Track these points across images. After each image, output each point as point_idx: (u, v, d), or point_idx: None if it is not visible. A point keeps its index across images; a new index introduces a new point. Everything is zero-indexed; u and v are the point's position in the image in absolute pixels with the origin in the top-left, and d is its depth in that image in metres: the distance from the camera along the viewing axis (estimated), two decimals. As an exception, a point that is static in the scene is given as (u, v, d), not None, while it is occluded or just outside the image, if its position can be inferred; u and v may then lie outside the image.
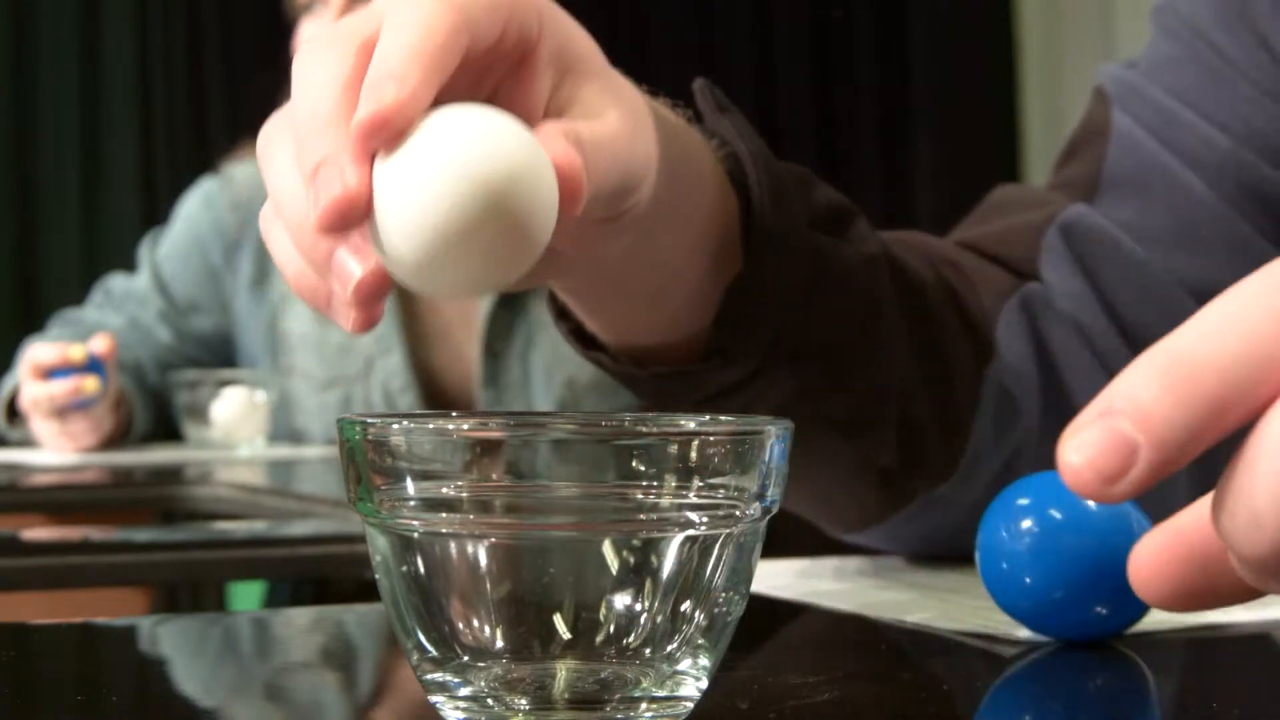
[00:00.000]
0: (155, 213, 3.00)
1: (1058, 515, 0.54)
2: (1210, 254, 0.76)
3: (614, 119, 0.51)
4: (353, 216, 0.44)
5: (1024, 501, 0.55)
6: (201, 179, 2.13)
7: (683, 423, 0.43)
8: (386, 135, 0.44)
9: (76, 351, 1.81)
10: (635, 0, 3.77)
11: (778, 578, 0.71)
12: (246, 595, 1.74)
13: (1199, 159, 0.76)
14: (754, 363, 0.65)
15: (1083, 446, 0.30)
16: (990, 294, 0.75)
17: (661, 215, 0.58)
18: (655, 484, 0.40)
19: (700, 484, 0.40)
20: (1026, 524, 0.55)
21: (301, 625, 0.68)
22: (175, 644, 0.64)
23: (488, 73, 0.50)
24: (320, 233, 0.44)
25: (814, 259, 0.66)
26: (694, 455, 0.40)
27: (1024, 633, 0.56)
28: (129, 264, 2.15)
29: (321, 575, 1.50)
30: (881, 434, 0.70)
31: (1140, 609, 0.55)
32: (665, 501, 0.40)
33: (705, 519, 0.41)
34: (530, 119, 0.50)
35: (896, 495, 0.73)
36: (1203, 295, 0.74)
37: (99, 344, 1.84)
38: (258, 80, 2.18)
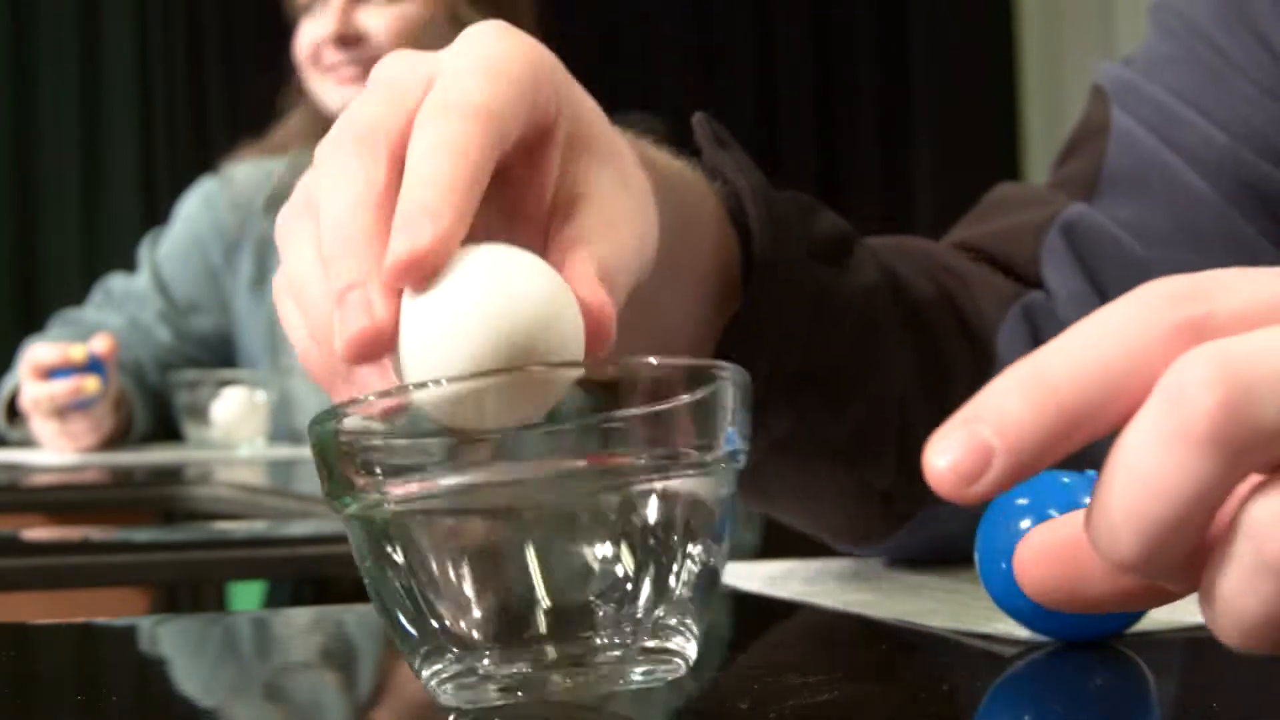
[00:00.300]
0: (155, 213, 3.01)
1: (1057, 515, 0.54)
2: (1210, 252, 0.76)
3: (629, 214, 0.49)
4: (379, 349, 0.43)
5: (1023, 501, 0.55)
6: (201, 179, 2.14)
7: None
8: (421, 275, 0.43)
9: (77, 351, 1.81)
10: (636, 0, 3.77)
11: (777, 578, 0.71)
12: (246, 595, 1.74)
13: (1198, 157, 0.76)
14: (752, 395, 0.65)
15: (946, 450, 0.32)
16: (990, 299, 0.75)
17: (664, 281, 0.57)
18: (622, 449, 0.41)
19: (664, 440, 0.41)
20: (1026, 524, 0.55)
21: (301, 625, 0.68)
22: (175, 644, 0.64)
23: (503, 163, 0.48)
24: (346, 361, 0.43)
25: (814, 292, 0.66)
26: (657, 419, 0.41)
27: (1024, 633, 0.56)
28: (129, 264, 2.15)
29: (321, 575, 1.50)
30: (881, 458, 0.70)
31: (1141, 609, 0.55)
32: (633, 463, 0.41)
33: (674, 472, 0.41)
34: (539, 200, 0.49)
35: (897, 515, 0.73)
36: None
37: (99, 344, 1.84)
38: (258, 80, 2.18)
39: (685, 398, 0.41)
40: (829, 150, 3.87)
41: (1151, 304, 0.33)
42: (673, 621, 0.42)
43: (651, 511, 0.41)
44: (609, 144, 0.51)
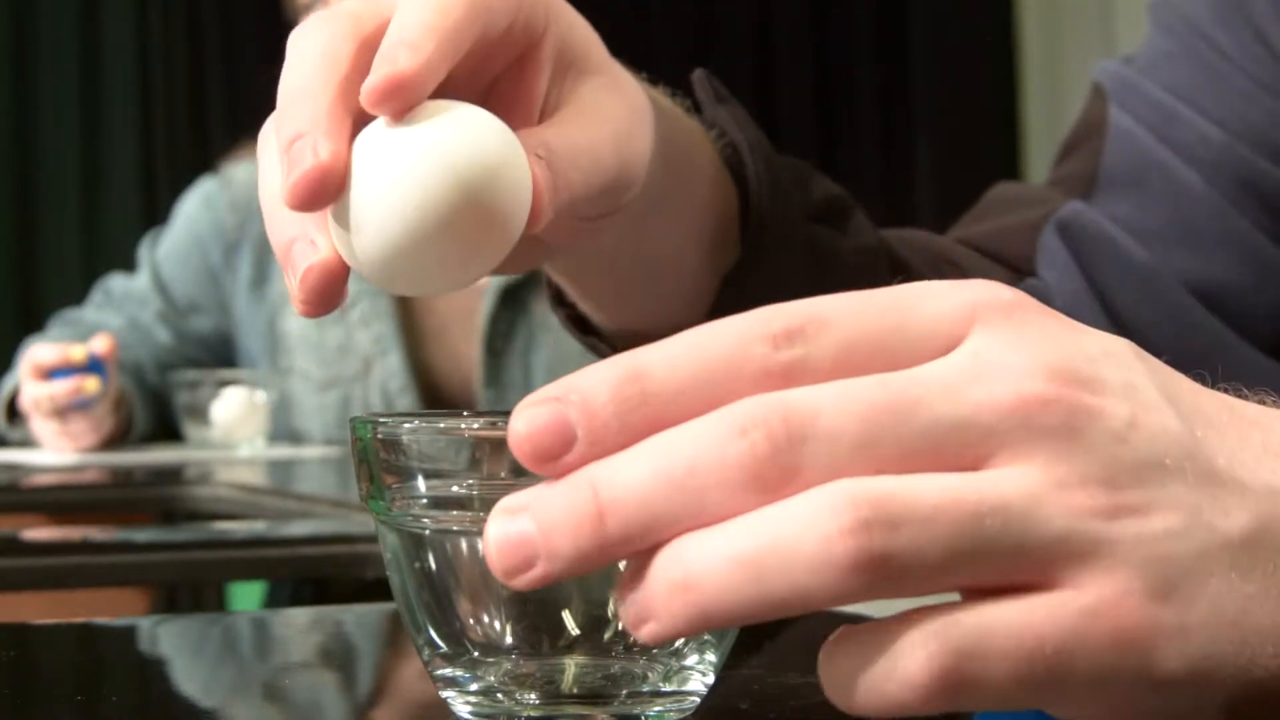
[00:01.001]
0: (155, 213, 3.00)
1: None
2: (1208, 249, 0.76)
3: (603, 121, 0.50)
4: (324, 191, 0.43)
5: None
6: (201, 179, 2.13)
7: None
8: (398, 103, 0.43)
9: (77, 352, 1.81)
10: (635, 0, 3.77)
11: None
12: (246, 595, 1.74)
13: (1196, 154, 0.76)
14: None
15: (531, 420, 0.32)
16: None
17: (656, 206, 0.57)
18: None
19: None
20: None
21: (301, 625, 0.68)
22: (175, 644, 0.64)
23: (490, 62, 0.50)
24: (290, 207, 0.43)
25: (811, 249, 0.66)
26: None
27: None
28: (129, 264, 2.15)
29: (321, 575, 1.50)
30: None
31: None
32: None
33: None
34: (528, 113, 0.50)
35: None
36: (1201, 291, 0.74)
37: (100, 344, 1.84)
38: (258, 80, 2.18)
39: None
40: (829, 150, 3.86)
41: (753, 334, 0.33)
42: (691, 660, 0.42)
43: None
44: (599, 61, 0.52)
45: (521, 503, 0.32)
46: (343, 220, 0.44)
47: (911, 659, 0.31)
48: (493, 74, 0.50)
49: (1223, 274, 0.75)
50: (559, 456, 0.32)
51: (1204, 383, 0.36)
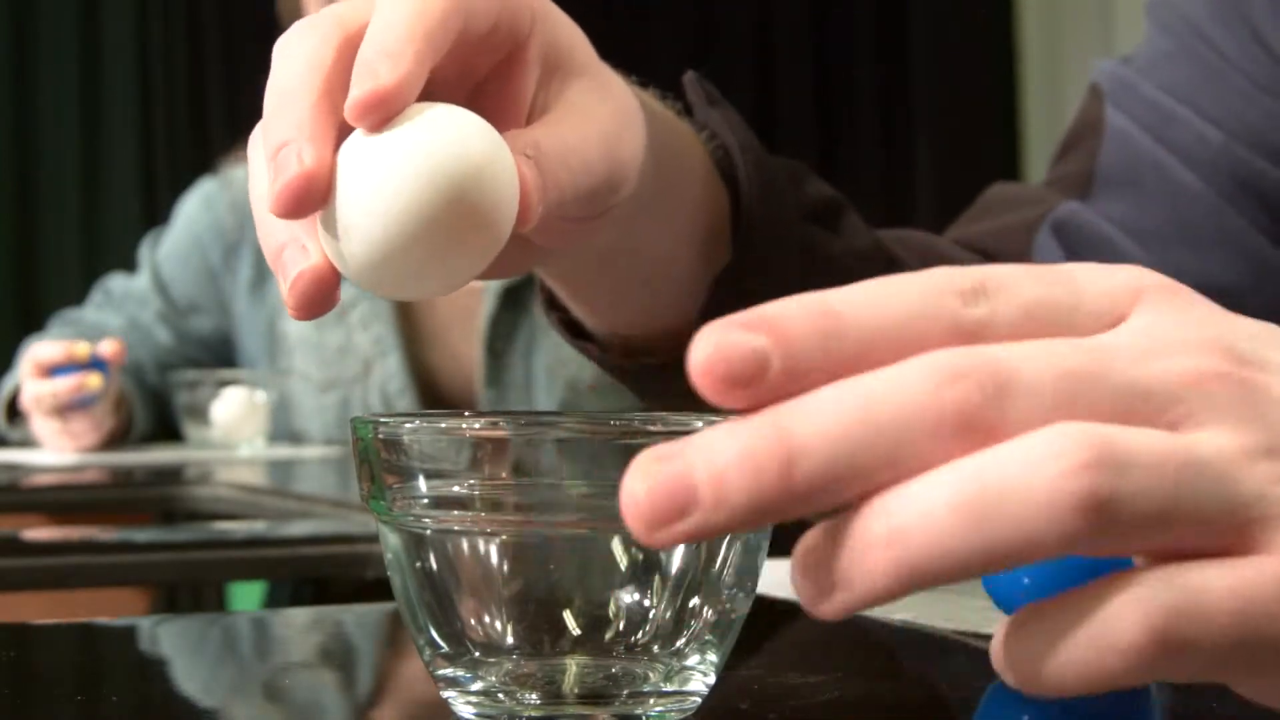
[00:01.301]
0: (155, 213, 3.01)
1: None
2: (1205, 249, 0.76)
3: (592, 122, 0.50)
4: (309, 198, 0.43)
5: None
6: (201, 179, 2.14)
7: (691, 422, 0.43)
8: (380, 116, 0.43)
9: (81, 348, 1.81)
10: (635, 0, 3.77)
11: (778, 578, 0.71)
12: (246, 595, 1.74)
13: (1193, 154, 0.76)
14: None
15: (721, 346, 0.30)
16: None
17: (647, 208, 0.57)
18: None
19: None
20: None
21: (301, 625, 0.68)
22: (175, 644, 0.64)
23: (475, 64, 0.50)
24: (277, 215, 0.44)
25: (804, 250, 0.66)
26: None
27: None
28: (129, 264, 2.15)
29: (321, 575, 1.50)
30: None
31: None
32: None
33: None
34: (514, 115, 0.50)
35: None
36: (1198, 291, 0.74)
37: (107, 347, 1.84)
38: (258, 80, 2.18)
39: None
40: (829, 150, 3.87)
41: (941, 288, 0.32)
42: (693, 661, 0.42)
43: (685, 550, 0.41)
44: (586, 61, 0.52)
45: (677, 449, 0.29)
46: (330, 226, 0.44)
47: (1123, 621, 0.30)
48: (479, 76, 0.50)
49: (1220, 273, 0.75)
50: (754, 383, 0.30)
51: None
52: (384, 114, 0.43)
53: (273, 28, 2.07)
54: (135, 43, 3.43)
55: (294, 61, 0.46)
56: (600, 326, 0.67)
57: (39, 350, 1.83)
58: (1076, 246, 0.76)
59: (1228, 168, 0.76)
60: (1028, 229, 0.77)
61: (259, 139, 0.47)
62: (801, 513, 0.29)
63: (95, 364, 1.82)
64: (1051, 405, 0.30)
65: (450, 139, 0.43)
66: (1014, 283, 0.33)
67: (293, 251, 0.45)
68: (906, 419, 0.29)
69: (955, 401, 0.30)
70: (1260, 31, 0.76)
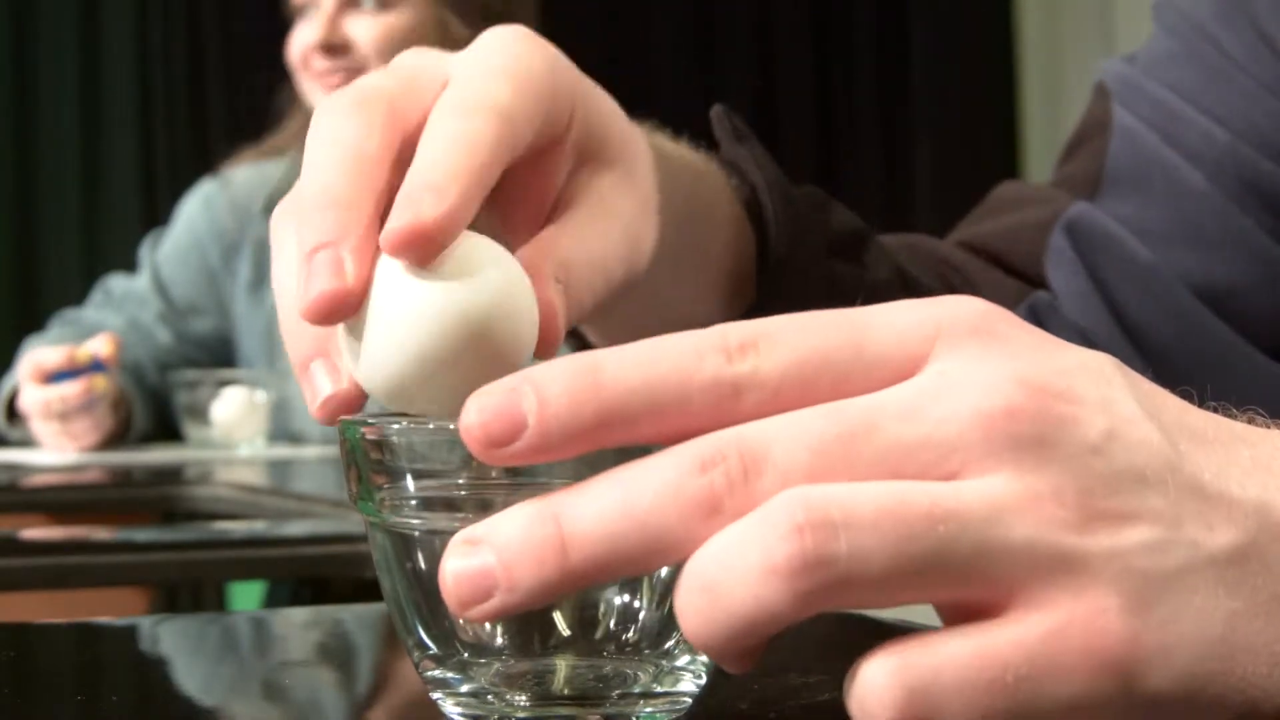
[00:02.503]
0: (155, 213, 3.01)
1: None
2: (1211, 249, 0.76)
3: (617, 219, 0.49)
4: (342, 313, 0.41)
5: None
6: (201, 180, 2.14)
7: None
8: (420, 253, 0.41)
9: (82, 354, 1.82)
10: (635, 0, 3.77)
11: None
12: (246, 595, 1.74)
13: (1199, 154, 0.76)
14: None
15: (483, 409, 0.33)
16: (997, 299, 0.75)
17: (668, 269, 0.56)
18: None
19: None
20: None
21: (300, 625, 0.68)
22: (175, 644, 0.64)
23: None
24: (306, 319, 0.41)
25: (829, 286, 0.66)
26: None
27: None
28: (129, 264, 2.15)
29: (321, 575, 1.50)
30: None
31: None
32: None
33: None
34: (540, 206, 0.48)
35: None
36: (1204, 291, 0.74)
37: (103, 345, 1.84)
38: (258, 80, 2.18)
39: None
40: (829, 150, 3.87)
41: (708, 345, 0.33)
42: (683, 661, 0.42)
43: None
44: (618, 150, 0.50)
45: (479, 535, 0.33)
46: (354, 340, 0.43)
47: (874, 695, 0.31)
48: (511, 170, 0.47)
49: (1225, 274, 0.75)
50: (508, 444, 0.32)
51: (1190, 400, 0.35)
52: (424, 252, 0.41)
53: (273, 28, 2.07)
54: (135, 43, 3.43)
55: (340, 148, 0.43)
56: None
57: (40, 356, 1.83)
58: (1089, 247, 0.76)
59: (1233, 168, 0.76)
60: (1040, 229, 0.77)
61: (288, 222, 0.45)
62: (579, 589, 0.33)
63: (95, 365, 1.82)
64: (806, 477, 0.31)
65: (478, 281, 0.42)
66: (786, 337, 0.33)
67: (322, 370, 0.44)
68: (662, 508, 0.32)
69: (700, 490, 0.31)
70: (1266, 32, 0.76)
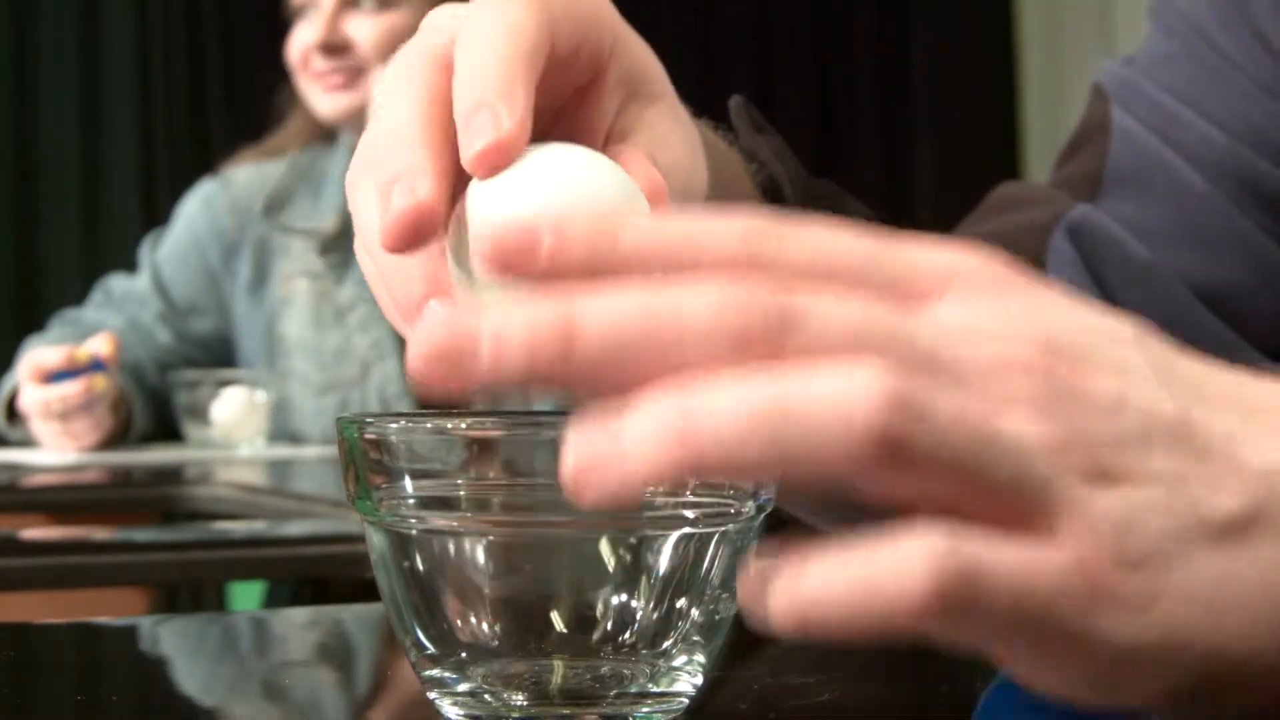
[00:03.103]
0: (155, 213, 3.00)
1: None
2: (1211, 250, 0.76)
3: (672, 150, 0.49)
4: (421, 230, 0.42)
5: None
6: (201, 180, 2.14)
7: None
8: (505, 163, 0.42)
9: (81, 354, 1.82)
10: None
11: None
12: (246, 595, 1.74)
13: (1198, 156, 0.76)
14: None
15: (506, 228, 0.32)
16: None
17: None
18: (652, 490, 0.40)
19: (696, 482, 0.40)
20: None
21: (300, 625, 0.68)
22: (175, 644, 0.64)
23: (558, 91, 0.49)
24: (387, 249, 0.42)
25: None
26: None
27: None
28: (129, 264, 2.15)
29: (321, 575, 1.50)
30: None
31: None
32: (661, 499, 0.40)
33: (701, 517, 0.41)
34: (594, 140, 0.49)
35: None
36: (1203, 292, 0.74)
37: (102, 344, 1.84)
38: (258, 80, 2.18)
39: None
40: (829, 150, 3.87)
41: (732, 228, 0.32)
42: (680, 661, 0.42)
43: (674, 551, 0.41)
44: (662, 87, 0.51)
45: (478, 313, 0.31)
46: (461, 260, 0.43)
47: (911, 568, 0.29)
48: (561, 101, 0.49)
49: (1225, 275, 0.75)
50: (530, 255, 0.31)
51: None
52: (509, 158, 0.42)
53: (274, 27, 2.07)
54: (135, 43, 3.42)
55: (398, 99, 0.45)
56: None
57: (40, 355, 1.83)
58: (1091, 250, 0.76)
59: (1232, 169, 0.76)
60: (1041, 230, 0.77)
61: (364, 177, 0.46)
62: (582, 387, 0.30)
63: (95, 365, 1.82)
64: (838, 349, 0.30)
65: (584, 183, 0.42)
66: (806, 236, 0.33)
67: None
68: (684, 326, 0.30)
69: (735, 326, 0.30)
70: (1263, 33, 0.76)
